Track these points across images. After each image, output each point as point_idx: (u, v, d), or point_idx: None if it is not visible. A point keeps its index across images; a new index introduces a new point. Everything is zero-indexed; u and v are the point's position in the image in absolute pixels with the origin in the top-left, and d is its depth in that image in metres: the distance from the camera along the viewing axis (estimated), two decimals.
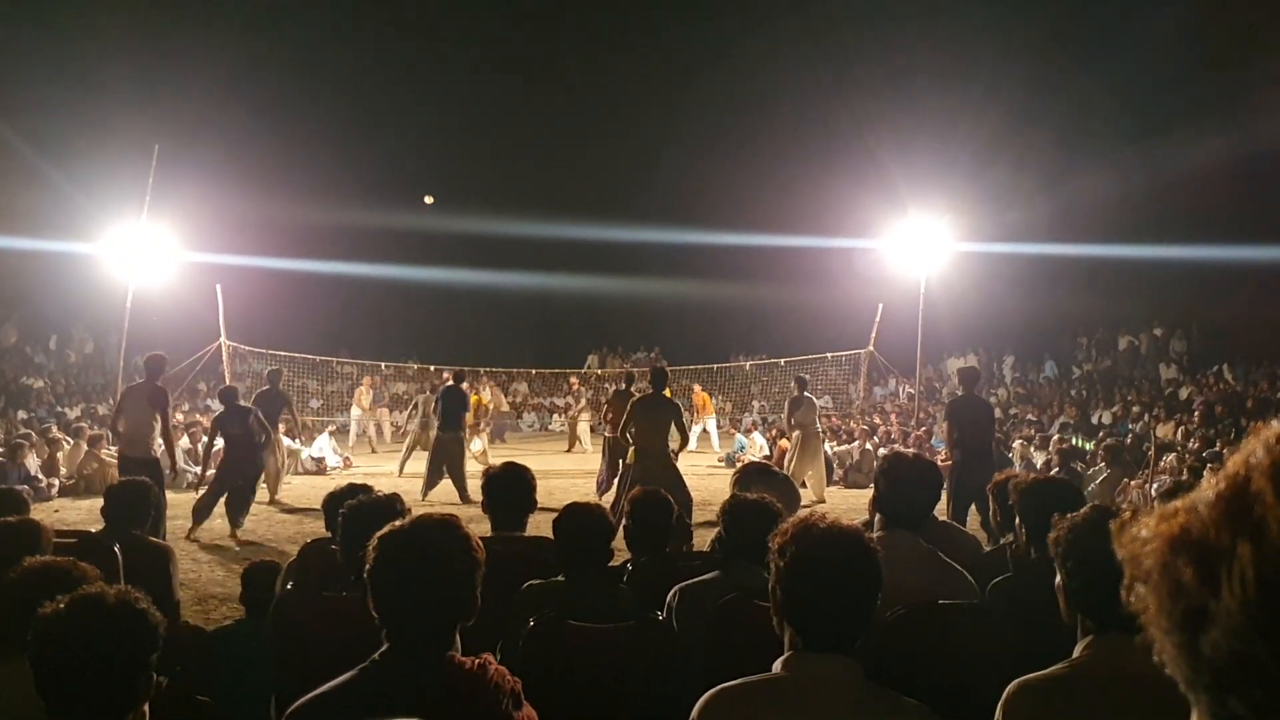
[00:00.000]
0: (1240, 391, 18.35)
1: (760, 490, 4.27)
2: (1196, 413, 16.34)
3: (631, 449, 9.95)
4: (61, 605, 2.16)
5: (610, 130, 32.91)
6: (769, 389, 26.03)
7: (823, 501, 13.36)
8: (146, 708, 2.27)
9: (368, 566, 2.15)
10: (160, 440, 10.00)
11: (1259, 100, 19.11)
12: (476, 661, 2.14)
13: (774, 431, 19.77)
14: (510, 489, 4.44)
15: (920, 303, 18.48)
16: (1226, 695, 0.71)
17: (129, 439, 9.85)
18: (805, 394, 14.30)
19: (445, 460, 13.38)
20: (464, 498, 12.96)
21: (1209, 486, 0.77)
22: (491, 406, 20.45)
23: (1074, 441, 16.34)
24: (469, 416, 17.07)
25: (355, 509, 3.72)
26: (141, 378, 10.38)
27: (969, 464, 9.93)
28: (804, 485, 13.41)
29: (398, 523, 2.19)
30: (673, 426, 9.99)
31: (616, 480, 10.91)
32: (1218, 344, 22.09)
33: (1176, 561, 0.75)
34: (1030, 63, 24.17)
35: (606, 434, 14.01)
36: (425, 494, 13.27)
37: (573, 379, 26.86)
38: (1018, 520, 3.89)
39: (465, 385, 14.76)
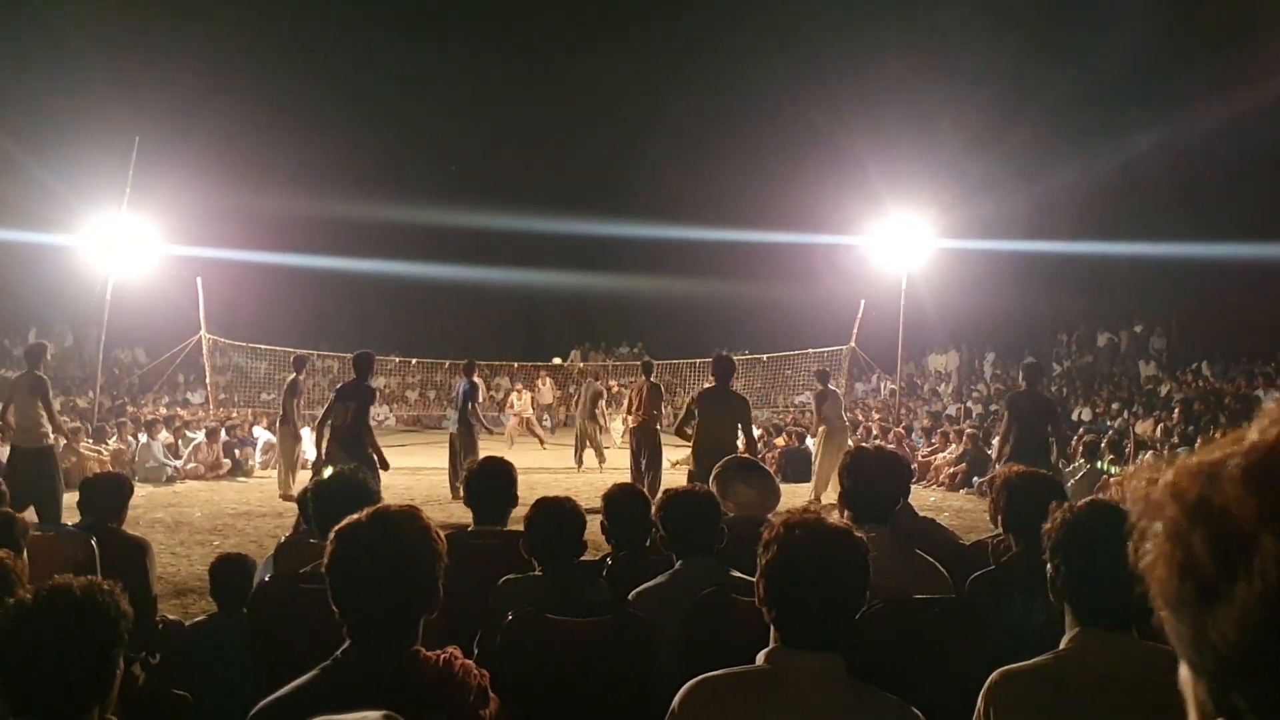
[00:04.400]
0: (1219, 389, 18.47)
1: (739, 484, 4.26)
2: (1176, 410, 16.43)
3: (690, 452, 8.83)
4: (27, 599, 2.13)
5: (593, 126, 32.93)
6: (751, 385, 26.03)
7: (817, 501, 13.03)
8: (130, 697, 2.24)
9: (326, 561, 2.11)
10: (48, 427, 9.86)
11: (1236, 96, 19.21)
12: (442, 656, 2.12)
13: (771, 428, 19.73)
14: (492, 483, 4.44)
15: (902, 299, 18.53)
16: (1229, 686, 0.67)
17: (18, 430, 9.84)
18: (830, 387, 14.05)
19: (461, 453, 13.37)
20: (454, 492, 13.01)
21: (1233, 452, 0.69)
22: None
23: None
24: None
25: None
26: (25, 368, 10.23)
27: (1025, 459, 9.56)
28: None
29: (355, 515, 2.15)
30: (740, 429, 8.77)
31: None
32: (1197, 341, 22.25)
33: (1192, 533, 0.68)
34: (1007, 59, 24.27)
35: (632, 425, 13.62)
36: (456, 492, 13.16)
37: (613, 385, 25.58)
38: (1001, 515, 3.88)
39: (477, 378, 14.79)
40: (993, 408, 21.71)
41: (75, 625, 2.10)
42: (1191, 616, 0.68)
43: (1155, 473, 0.73)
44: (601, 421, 17.44)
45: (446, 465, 13.88)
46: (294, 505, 12.49)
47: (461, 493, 4.61)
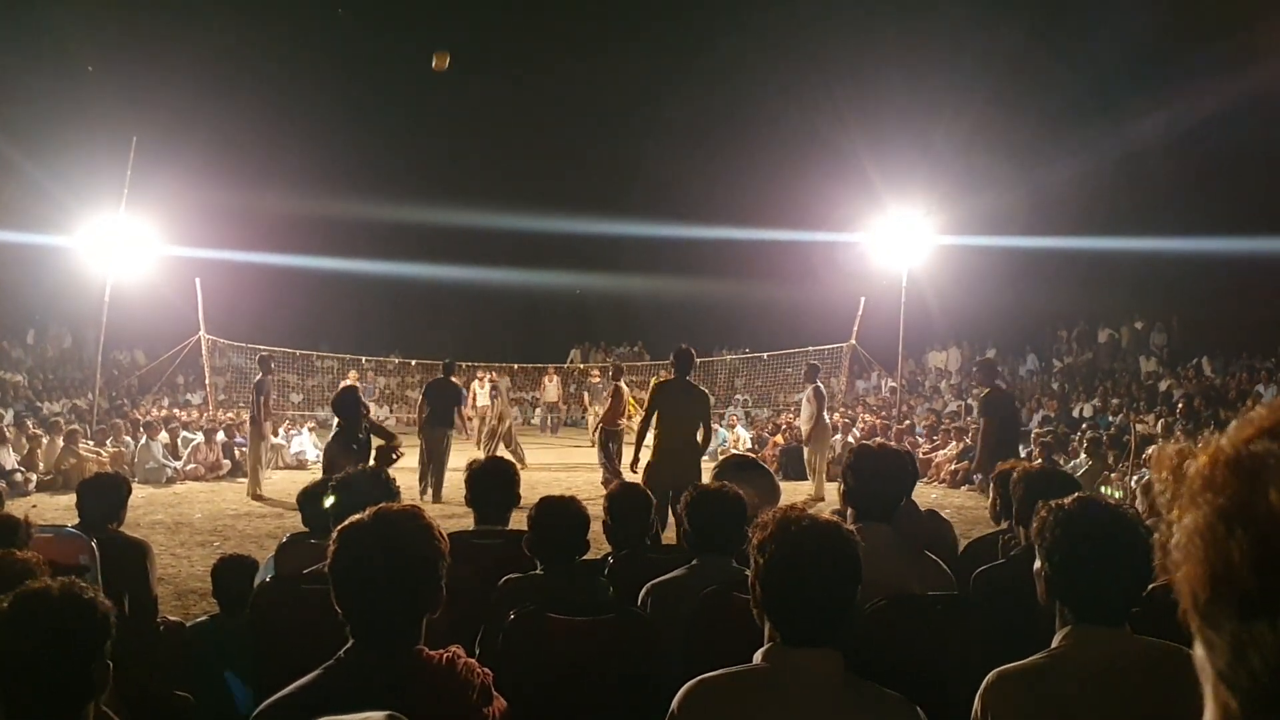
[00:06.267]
0: (1220, 385, 18.47)
1: (739, 483, 4.26)
2: (1177, 406, 16.44)
3: (653, 446, 8.39)
4: (5, 603, 2.12)
5: (593, 125, 32.88)
6: (752, 383, 26.08)
7: (821, 499, 13.02)
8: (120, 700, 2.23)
9: (329, 561, 2.12)
10: None
11: (1235, 89, 19.17)
12: (445, 655, 2.12)
13: (771, 425, 19.73)
14: (494, 484, 4.45)
15: (902, 296, 18.53)
16: (1266, 711, 0.58)
17: None
18: (818, 384, 14.23)
19: (434, 458, 13.29)
20: (437, 497, 12.91)
21: (1273, 447, 0.60)
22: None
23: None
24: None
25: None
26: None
27: (1007, 456, 9.76)
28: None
29: (359, 516, 2.16)
30: (701, 422, 8.47)
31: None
32: (1197, 337, 22.24)
33: (1230, 537, 0.60)
34: (1005, 54, 24.25)
35: (602, 427, 14.07)
36: (423, 494, 13.07)
37: (594, 373, 25.56)
38: (1015, 509, 3.89)
39: (455, 378, 14.68)
40: None
41: (57, 626, 2.10)
42: (1225, 627, 0.60)
43: (1183, 455, 0.65)
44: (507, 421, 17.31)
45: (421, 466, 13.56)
46: (257, 505, 12.63)
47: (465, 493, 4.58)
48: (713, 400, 26.60)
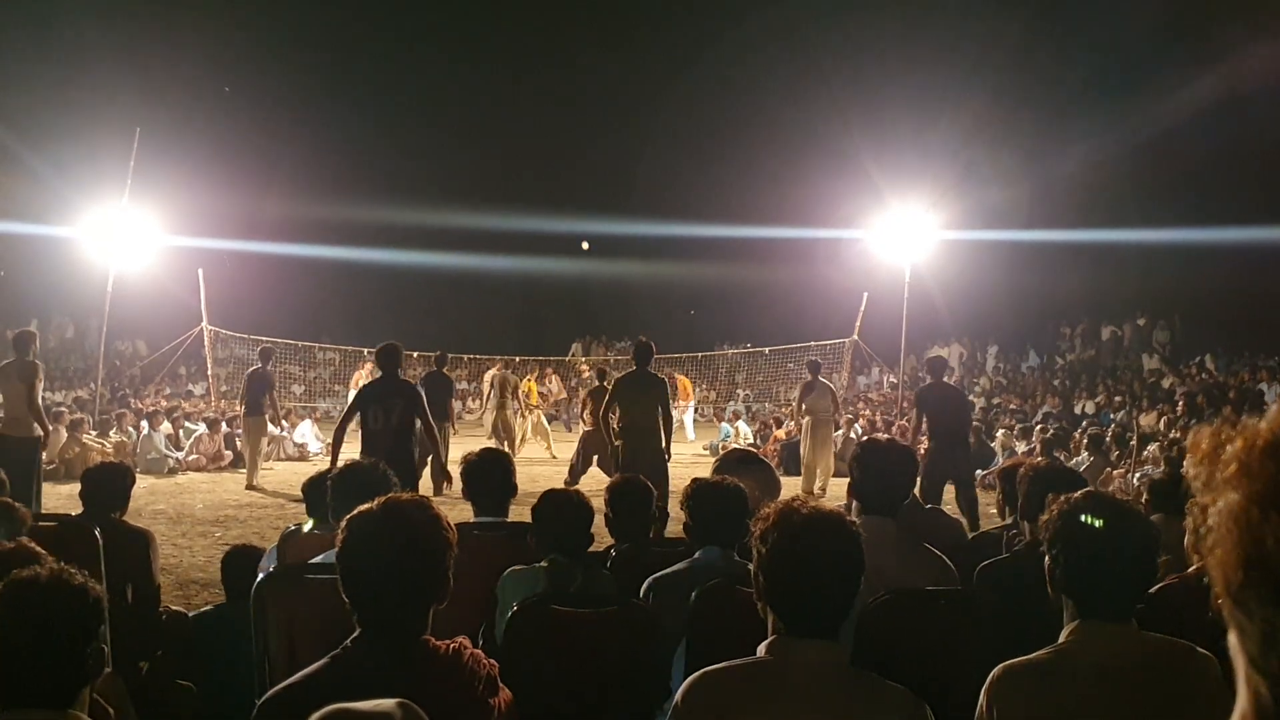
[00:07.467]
0: (1222, 382, 18.46)
1: (740, 477, 4.27)
2: (1179, 404, 16.42)
3: (616, 433, 9.22)
4: None
5: (596, 120, 32.88)
6: (753, 377, 26.08)
7: (819, 493, 12.97)
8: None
9: (338, 550, 2.12)
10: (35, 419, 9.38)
11: (1238, 77, 19.10)
12: (451, 646, 2.12)
13: (772, 420, 19.75)
14: (488, 475, 4.44)
15: (905, 292, 18.51)
16: None
17: (6, 419, 9.34)
18: (819, 379, 14.28)
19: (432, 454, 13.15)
20: (438, 491, 12.79)
21: None
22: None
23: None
24: (530, 399, 17.56)
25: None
26: (12, 356, 9.58)
27: (942, 450, 10.03)
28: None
29: (367, 505, 2.16)
30: (660, 409, 9.17)
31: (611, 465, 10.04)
32: (1200, 334, 22.23)
33: (1264, 522, 0.59)
34: (1007, 44, 24.24)
35: (585, 426, 13.97)
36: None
37: (583, 369, 25.62)
38: (1020, 504, 3.89)
39: (447, 370, 14.59)
40: (995, 400, 21.72)
41: (47, 613, 2.10)
42: (1257, 613, 0.60)
43: (1217, 439, 0.64)
44: (519, 405, 17.13)
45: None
46: (259, 496, 12.60)
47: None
48: (714, 395, 26.81)
